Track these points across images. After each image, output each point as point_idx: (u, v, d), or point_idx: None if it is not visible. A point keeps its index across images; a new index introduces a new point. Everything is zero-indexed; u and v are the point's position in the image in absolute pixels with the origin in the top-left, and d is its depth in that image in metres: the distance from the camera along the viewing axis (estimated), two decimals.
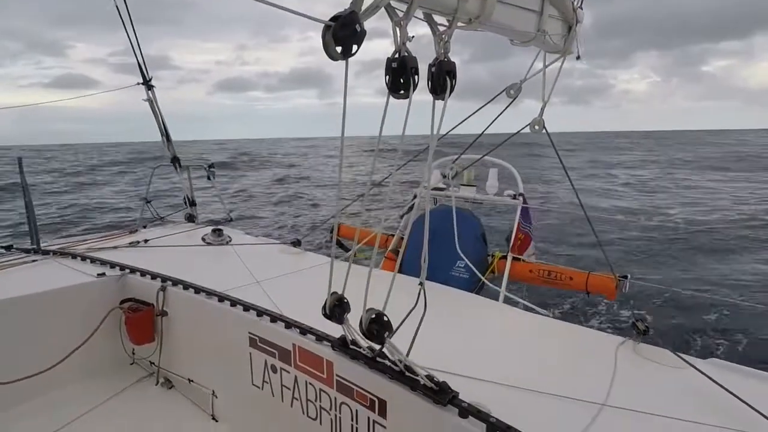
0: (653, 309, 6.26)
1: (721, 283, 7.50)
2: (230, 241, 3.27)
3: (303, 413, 1.78)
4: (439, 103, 1.07)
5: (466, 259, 3.43)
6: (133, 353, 2.55)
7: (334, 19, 0.90)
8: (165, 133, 3.82)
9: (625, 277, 3.38)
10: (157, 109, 3.71)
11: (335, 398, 1.63)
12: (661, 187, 19.20)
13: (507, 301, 3.27)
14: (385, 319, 1.24)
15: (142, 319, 2.35)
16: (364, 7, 0.94)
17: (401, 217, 4.37)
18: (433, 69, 1.05)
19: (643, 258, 8.95)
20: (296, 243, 3.13)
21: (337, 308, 1.32)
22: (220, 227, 3.41)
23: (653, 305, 6.40)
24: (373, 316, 1.24)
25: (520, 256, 3.92)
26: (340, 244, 4.59)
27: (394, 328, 1.28)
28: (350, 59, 0.95)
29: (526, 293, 3.86)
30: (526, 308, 2.84)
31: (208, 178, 4.02)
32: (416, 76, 1.01)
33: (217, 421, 2.16)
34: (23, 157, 3.12)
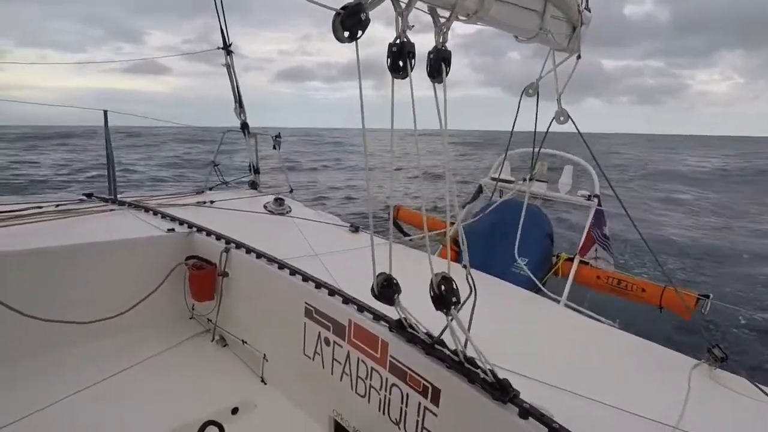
0: (732, 334, 5.69)
1: None
2: (290, 211, 3.30)
3: (351, 389, 1.75)
4: (441, 88, 1.20)
5: (523, 268, 3.28)
6: (193, 309, 2.65)
7: (344, 8, 1.04)
8: (238, 99, 3.91)
9: (707, 296, 3.05)
10: (233, 74, 3.79)
11: (387, 379, 1.59)
12: None
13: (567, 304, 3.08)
14: (455, 286, 1.20)
15: (204, 277, 2.43)
16: None
17: (463, 206, 4.22)
18: (431, 55, 1.19)
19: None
20: (355, 229, 3.02)
21: (386, 289, 1.31)
22: (281, 196, 3.45)
23: (732, 329, 5.82)
24: (444, 283, 1.20)
25: (587, 261, 3.68)
26: (398, 228, 4.52)
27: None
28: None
29: (589, 300, 3.60)
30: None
31: (274, 147, 4.09)
32: (413, 60, 1.14)
33: (265, 383, 2.19)
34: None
